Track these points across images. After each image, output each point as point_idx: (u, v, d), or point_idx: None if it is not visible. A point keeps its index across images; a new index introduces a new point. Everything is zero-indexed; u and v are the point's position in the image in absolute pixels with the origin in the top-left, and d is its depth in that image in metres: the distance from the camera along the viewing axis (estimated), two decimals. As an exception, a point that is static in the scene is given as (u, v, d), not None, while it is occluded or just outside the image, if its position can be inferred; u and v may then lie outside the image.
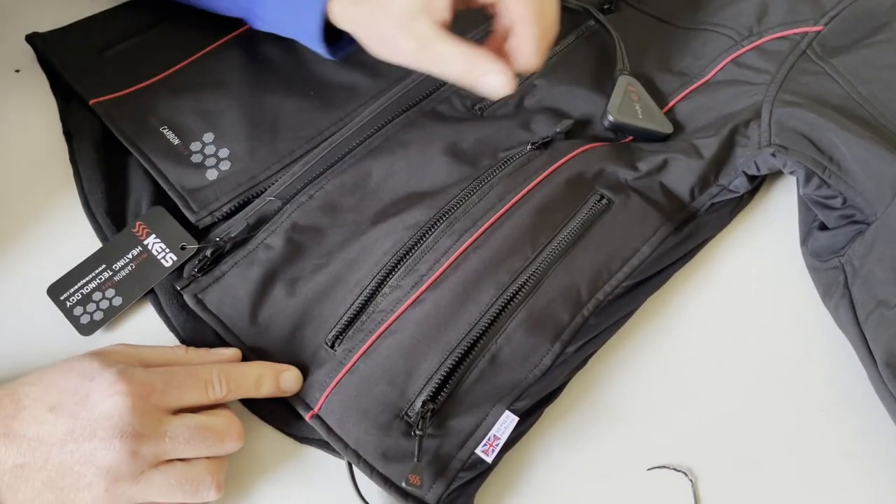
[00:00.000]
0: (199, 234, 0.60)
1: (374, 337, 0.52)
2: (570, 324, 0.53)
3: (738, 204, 0.62)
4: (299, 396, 0.52)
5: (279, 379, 0.51)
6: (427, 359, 0.51)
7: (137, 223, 0.59)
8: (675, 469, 0.52)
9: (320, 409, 0.51)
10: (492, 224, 0.56)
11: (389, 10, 0.52)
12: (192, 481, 0.46)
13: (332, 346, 0.53)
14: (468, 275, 0.53)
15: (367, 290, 0.54)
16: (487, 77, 0.51)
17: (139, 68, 0.67)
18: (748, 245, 0.62)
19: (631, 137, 0.64)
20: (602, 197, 0.58)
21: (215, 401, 0.48)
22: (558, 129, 0.62)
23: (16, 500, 0.43)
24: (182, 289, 0.56)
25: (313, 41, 0.59)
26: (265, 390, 0.51)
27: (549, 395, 0.52)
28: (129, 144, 0.63)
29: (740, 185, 0.60)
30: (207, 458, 0.47)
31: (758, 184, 0.61)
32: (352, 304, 0.54)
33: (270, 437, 0.53)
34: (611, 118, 0.62)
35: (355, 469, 0.50)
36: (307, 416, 0.51)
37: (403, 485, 0.47)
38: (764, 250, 0.61)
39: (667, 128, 0.63)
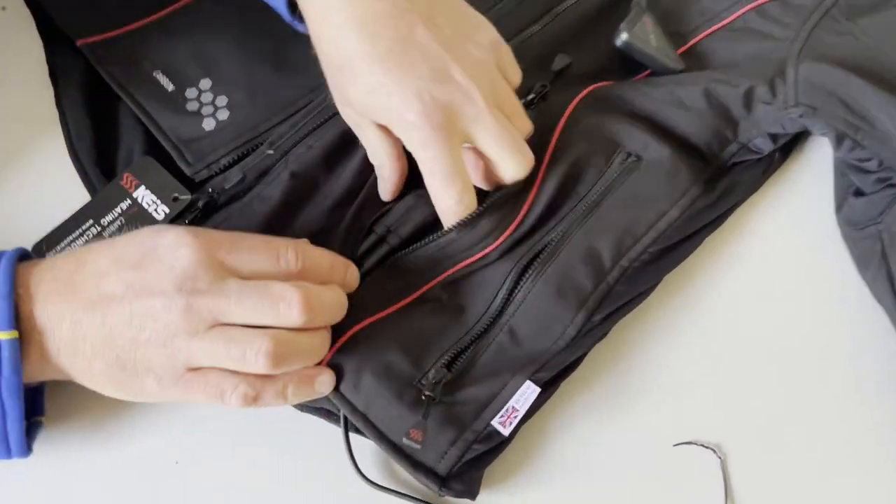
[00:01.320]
0: (192, 186, 0.56)
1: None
2: (595, 291, 0.49)
3: (770, 166, 0.58)
4: None
5: (347, 275, 0.48)
6: (444, 333, 0.48)
7: (125, 175, 0.55)
8: (702, 445, 0.48)
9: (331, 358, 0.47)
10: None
11: None
12: (240, 344, 0.42)
13: None
14: None
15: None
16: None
17: (131, 8, 0.62)
18: (780, 212, 0.58)
19: (646, 72, 0.59)
20: (629, 154, 0.54)
21: (286, 273, 0.44)
22: (554, 68, 0.58)
23: (74, 362, 0.42)
24: (173, 243, 0.52)
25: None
26: (336, 278, 0.47)
27: (567, 367, 0.49)
28: (120, 90, 0.58)
29: (762, 144, 0.56)
30: (267, 328, 0.43)
31: (786, 144, 0.57)
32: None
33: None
34: (624, 36, 0.57)
35: (353, 442, 0.47)
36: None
37: (403, 440, 0.44)
38: (797, 217, 0.57)
39: (678, 64, 0.58)
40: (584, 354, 0.50)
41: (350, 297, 0.47)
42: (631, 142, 0.54)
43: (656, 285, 0.52)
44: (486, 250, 0.49)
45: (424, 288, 0.49)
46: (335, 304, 0.45)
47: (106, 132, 0.58)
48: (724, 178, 0.56)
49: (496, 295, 0.49)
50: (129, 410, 0.50)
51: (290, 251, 0.45)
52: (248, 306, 0.42)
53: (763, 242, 0.57)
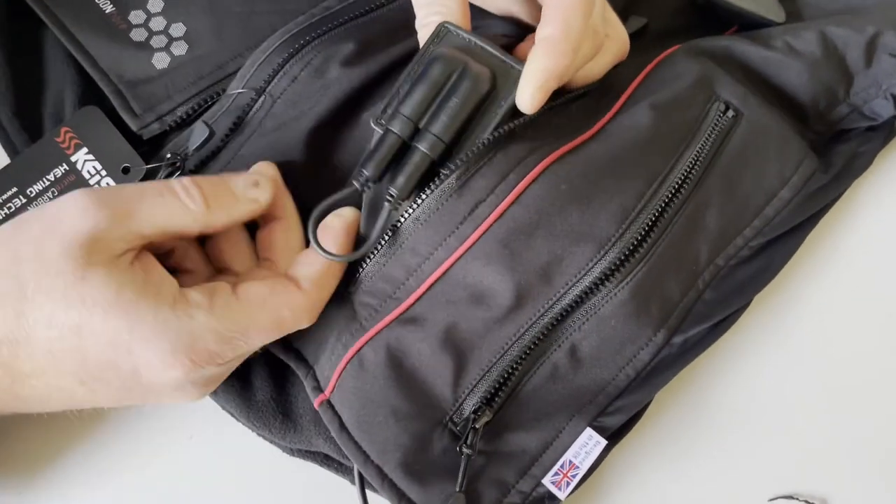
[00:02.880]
0: (142, 144, 0.43)
1: (411, 298, 0.37)
2: (682, 301, 0.38)
3: (888, 136, 0.46)
4: (306, 361, 0.38)
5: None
6: (486, 341, 0.36)
7: (62, 130, 0.42)
8: (805, 501, 0.39)
9: (332, 391, 0.37)
10: (585, 139, 0.39)
11: None
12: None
13: (352, 303, 0.38)
14: (548, 216, 0.36)
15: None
16: None
17: None
18: (890, 199, 0.46)
19: (734, 28, 0.47)
20: (728, 107, 0.41)
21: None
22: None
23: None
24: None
25: None
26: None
27: (638, 412, 0.38)
28: (41, 9, 0.45)
29: (881, 109, 0.44)
30: None
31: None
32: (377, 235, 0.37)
33: (250, 448, 0.40)
34: None
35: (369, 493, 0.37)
36: (316, 402, 0.37)
37: None
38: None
39: (779, 14, 0.46)
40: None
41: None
42: (727, 91, 0.42)
43: (747, 305, 0.41)
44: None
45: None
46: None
47: (26, 71, 0.45)
48: (836, 149, 0.44)
49: (568, 288, 0.37)
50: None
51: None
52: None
53: (869, 239, 0.45)
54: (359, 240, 0.37)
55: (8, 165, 0.42)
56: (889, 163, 0.46)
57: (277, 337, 0.35)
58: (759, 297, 0.41)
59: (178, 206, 0.34)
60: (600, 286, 0.37)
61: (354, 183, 0.36)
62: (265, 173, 0.37)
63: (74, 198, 0.32)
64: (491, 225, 0.36)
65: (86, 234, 0.31)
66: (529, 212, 0.36)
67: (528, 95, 0.35)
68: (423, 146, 0.35)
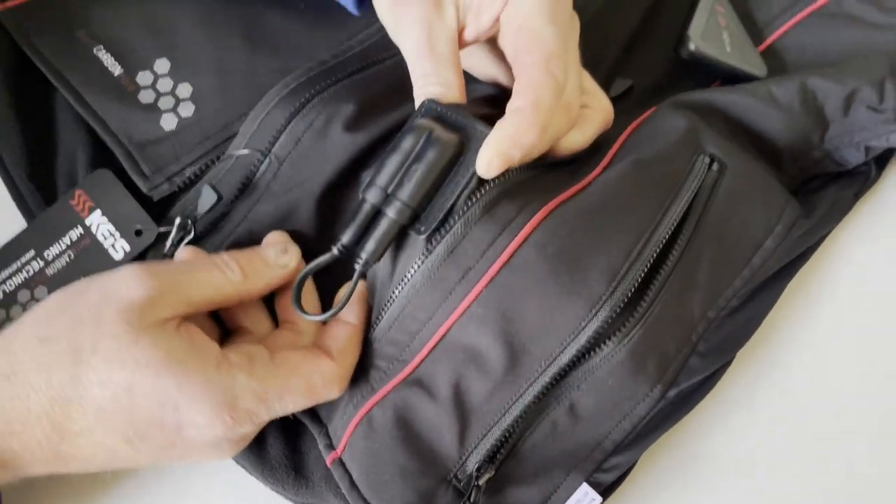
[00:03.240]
0: (159, 205, 0.45)
1: (411, 365, 0.39)
2: (677, 356, 0.40)
3: (866, 182, 0.48)
4: (320, 419, 0.41)
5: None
6: (488, 401, 0.39)
7: (77, 193, 0.44)
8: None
9: (343, 450, 0.39)
10: (572, 195, 0.40)
11: None
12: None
13: (363, 367, 0.40)
14: (539, 278, 0.38)
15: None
16: None
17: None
18: (877, 237, 0.48)
19: (716, 82, 0.49)
20: (713, 160, 0.43)
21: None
22: (612, 95, 0.47)
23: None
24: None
25: None
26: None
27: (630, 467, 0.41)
28: (51, 73, 0.46)
29: (850, 156, 0.46)
30: None
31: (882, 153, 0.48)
32: (390, 300, 0.39)
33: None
34: (692, 46, 0.47)
35: None
36: (328, 459, 0.40)
37: None
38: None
39: (759, 69, 0.48)
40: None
41: None
42: (711, 144, 0.43)
43: (732, 360, 0.43)
44: None
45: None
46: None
47: (39, 133, 0.46)
48: (817, 196, 0.46)
49: (563, 348, 0.38)
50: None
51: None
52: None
53: (858, 278, 0.47)
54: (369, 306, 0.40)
55: (24, 229, 0.44)
56: (863, 208, 0.48)
57: (309, 405, 0.38)
58: (745, 347, 0.43)
59: (220, 277, 0.38)
60: (598, 348, 0.38)
61: (333, 249, 0.39)
62: (293, 244, 0.41)
63: (131, 269, 0.36)
64: (481, 290, 0.38)
65: (140, 301, 0.35)
66: (519, 275, 0.38)
67: (486, 160, 0.36)
68: (390, 212, 0.37)
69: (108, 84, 0.46)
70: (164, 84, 0.46)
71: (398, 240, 0.38)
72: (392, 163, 0.38)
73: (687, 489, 0.43)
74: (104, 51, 0.47)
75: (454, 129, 0.38)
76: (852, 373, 0.45)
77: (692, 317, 0.41)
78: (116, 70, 0.46)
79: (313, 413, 0.41)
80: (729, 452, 0.44)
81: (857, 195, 0.47)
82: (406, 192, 0.37)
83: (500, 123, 0.37)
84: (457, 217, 0.37)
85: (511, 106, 0.37)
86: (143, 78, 0.46)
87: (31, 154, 0.45)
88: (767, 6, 0.49)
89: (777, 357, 0.45)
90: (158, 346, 0.34)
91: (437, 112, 0.38)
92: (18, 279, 0.43)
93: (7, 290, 0.43)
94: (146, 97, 0.46)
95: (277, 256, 0.40)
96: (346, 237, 0.38)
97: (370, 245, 0.38)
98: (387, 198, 0.38)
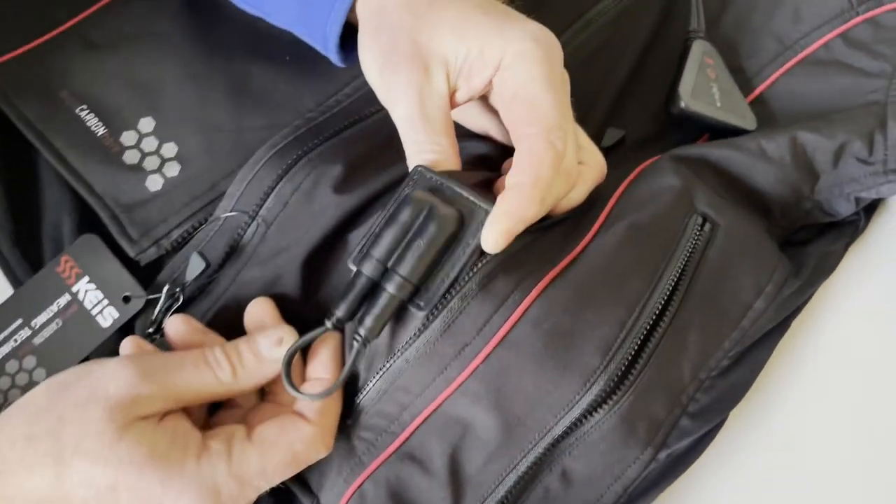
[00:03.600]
0: (147, 269, 0.45)
1: (400, 438, 0.39)
2: (667, 418, 0.40)
3: (854, 234, 0.48)
4: (310, 489, 0.41)
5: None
6: (481, 473, 0.39)
7: (63, 259, 0.44)
8: None
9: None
10: (567, 264, 0.40)
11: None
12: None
13: (349, 437, 0.40)
14: (534, 354, 0.38)
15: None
16: None
17: (37, 13, 0.48)
18: (866, 288, 0.48)
19: (702, 139, 0.49)
20: (705, 220, 0.42)
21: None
22: (603, 145, 0.47)
23: None
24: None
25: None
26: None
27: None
28: (34, 135, 0.46)
29: (841, 207, 0.46)
30: None
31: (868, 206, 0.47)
32: (379, 371, 0.39)
33: None
34: (683, 104, 0.47)
35: None
36: None
37: None
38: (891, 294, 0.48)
39: (750, 122, 0.48)
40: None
41: None
42: (703, 203, 0.43)
43: (725, 419, 0.43)
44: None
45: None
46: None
47: (23, 198, 0.46)
48: (806, 251, 0.46)
49: (557, 420, 0.38)
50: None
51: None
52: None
53: (848, 331, 0.47)
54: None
55: (11, 297, 0.43)
56: (850, 256, 0.48)
57: (296, 471, 0.38)
58: (737, 407, 0.43)
59: (209, 376, 0.38)
60: (589, 416, 0.38)
61: (327, 323, 0.38)
62: (287, 329, 0.39)
63: (120, 364, 0.36)
64: (477, 367, 0.38)
65: (127, 398, 0.35)
66: (515, 351, 0.38)
67: (493, 239, 0.36)
68: (390, 287, 0.37)
69: (92, 145, 0.46)
70: (149, 143, 0.46)
71: (398, 314, 0.38)
72: (389, 235, 0.37)
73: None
74: (87, 111, 0.46)
75: (452, 201, 0.37)
76: (848, 427, 0.45)
77: (682, 380, 0.41)
78: (100, 130, 0.46)
79: (303, 482, 0.41)
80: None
81: (848, 245, 0.47)
82: (406, 268, 0.37)
83: (502, 198, 0.36)
84: (453, 291, 0.37)
85: (512, 180, 0.37)
86: (128, 138, 0.46)
87: (15, 219, 0.45)
88: (757, 55, 0.49)
89: (769, 416, 0.45)
90: (142, 442, 0.34)
91: (433, 183, 0.38)
92: (6, 349, 0.43)
93: (-5, 361, 0.43)
94: (131, 157, 0.46)
95: (270, 350, 0.39)
96: (341, 310, 0.37)
97: (369, 321, 0.37)
98: (386, 272, 0.37)
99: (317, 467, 0.40)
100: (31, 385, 0.42)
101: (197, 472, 0.34)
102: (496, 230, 0.36)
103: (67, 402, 0.34)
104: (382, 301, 0.37)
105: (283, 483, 0.39)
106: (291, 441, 0.37)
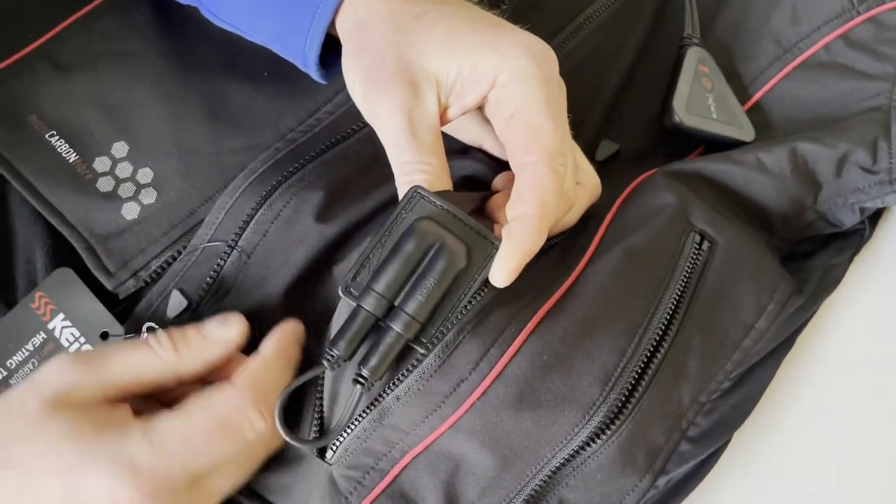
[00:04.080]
0: (125, 300, 0.43)
1: (390, 476, 0.37)
2: (667, 444, 0.39)
3: (860, 244, 0.46)
4: None
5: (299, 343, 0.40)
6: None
7: (37, 296, 0.42)
8: None
9: None
10: (562, 294, 0.39)
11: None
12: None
13: (333, 477, 0.38)
14: (527, 388, 0.37)
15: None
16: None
17: (3, 31, 0.46)
18: (872, 300, 0.46)
19: (698, 150, 0.47)
20: (703, 238, 0.41)
21: (258, 438, 0.36)
22: (598, 158, 0.45)
23: None
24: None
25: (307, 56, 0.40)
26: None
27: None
28: (2, 166, 0.43)
29: (845, 217, 0.45)
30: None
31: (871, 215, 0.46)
32: (366, 412, 0.37)
33: None
34: (677, 119, 0.45)
35: None
36: None
37: None
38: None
39: (747, 133, 0.46)
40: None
41: None
42: (701, 220, 0.41)
43: (728, 442, 0.42)
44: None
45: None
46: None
47: (-7, 230, 0.44)
48: (809, 265, 0.44)
49: (555, 453, 0.37)
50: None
51: (252, 414, 0.36)
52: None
53: (855, 345, 0.45)
54: (323, 420, 0.38)
55: (-15, 335, 0.42)
56: (857, 272, 0.46)
57: (235, 445, 0.35)
58: (740, 429, 0.42)
59: (150, 356, 0.36)
60: (587, 446, 0.37)
61: (324, 362, 0.36)
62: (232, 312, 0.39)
63: (60, 358, 0.36)
64: (473, 403, 0.36)
65: (62, 387, 0.34)
66: (512, 386, 0.36)
67: (504, 276, 0.35)
68: (397, 327, 0.35)
69: (63, 173, 0.44)
70: (124, 169, 0.44)
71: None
72: (393, 269, 0.35)
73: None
74: (57, 136, 0.44)
75: (458, 233, 0.36)
76: (858, 446, 0.44)
77: (682, 404, 0.39)
78: (71, 157, 0.44)
79: None
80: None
81: (853, 256, 0.45)
82: (414, 306, 0.35)
83: (510, 232, 0.35)
84: (443, 330, 0.36)
85: (517, 211, 0.35)
86: (101, 164, 0.44)
87: (-14, 254, 0.43)
88: (755, 59, 0.47)
89: (773, 436, 0.44)
90: (65, 423, 0.33)
91: (433, 208, 0.36)
92: (-18, 389, 0.41)
93: (-30, 403, 0.41)
94: (105, 185, 0.44)
95: (216, 329, 0.37)
96: (340, 348, 0.35)
97: (374, 361, 0.35)
98: (391, 309, 0.35)
99: None
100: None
101: (112, 444, 0.33)
102: (507, 267, 0.35)
103: (12, 399, 0.35)
104: (389, 340, 0.35)
105: None
106: (214, 403, 0.35)
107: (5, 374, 0.41)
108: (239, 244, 0.41)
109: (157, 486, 0.33)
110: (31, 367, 0.41)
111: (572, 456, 0.37)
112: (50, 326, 0.42)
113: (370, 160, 0.43)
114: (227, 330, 0.38)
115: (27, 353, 0.41)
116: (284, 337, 0.39)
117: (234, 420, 0.35)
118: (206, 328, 0.38)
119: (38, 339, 0.42)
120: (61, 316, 0.42)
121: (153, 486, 0.33)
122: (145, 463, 0.33)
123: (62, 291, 0.42)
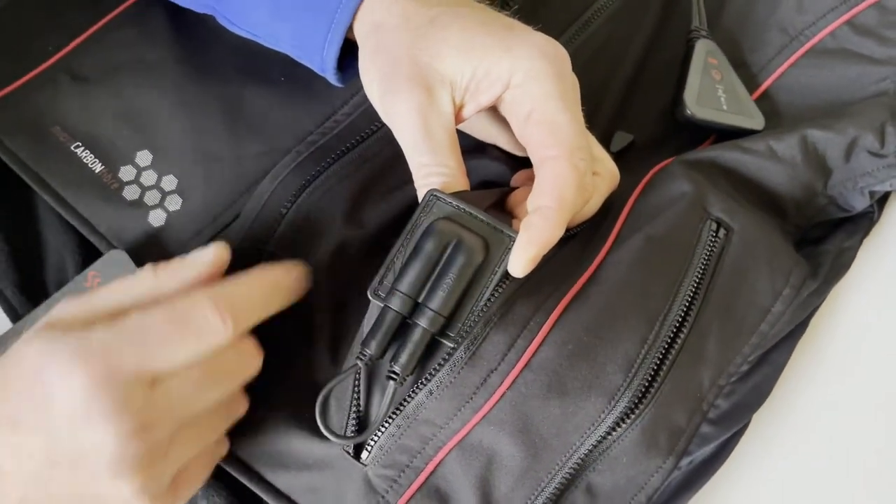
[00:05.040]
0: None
1: (425, 473, 0.39)
2: (688, 427, 0.40)
3: (869, 226, 0.47)
4: None
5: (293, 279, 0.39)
6: (510, 499, 0.38)
7: (90, 274, 0.43)
8: None
9: None
10: (585, 281, 0.40)
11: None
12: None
13: (368, 476, 0.39)
14: (554, 376, 0.38)
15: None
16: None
17: (22, 48, 0.47)
18: (882, 285, 0.47)
19: (710, 139, 0.48)
20: (719, 225, 0.42)
21: (219, 345, 0.35)
22: (612, 150, 0.46)
23: None
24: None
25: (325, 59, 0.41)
26: (280, 301, 0.38)
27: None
28: (29, 177, 0.44)
29: (855, 201, 0.46)
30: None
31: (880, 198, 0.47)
32: (387, 410, 0.38)
33: None
34: (689, 112, 0.46)
35: None
36: None
37: None
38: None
39: (757, 122, 0.47)
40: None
41: None
42: (716, 207, 0.42)
43: (748, 424, 0.43)
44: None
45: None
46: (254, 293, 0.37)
47: (25, 243, 0.45)
48: (822, 249, 0.45)
49: (583, 440, 0.38)
50: None
51: (211, 313, 0.35)
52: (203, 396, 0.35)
53: (867, 325, 0.46)
54: (360, 417, 0.39)
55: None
56: (866, 254, 0.47)
57: (188, 346, 0.34)
58: (759, 412, 0.43)
59: (129, 281, 0.36)
60: (612, 432, 0.38)
61: (358, 362, 0.37)
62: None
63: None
64: (504, 393, 0.37)
65: (49, 317, 0.34)
66: (540, 375, 0.37)
67: (521, 265, 0.36)
68: (423, 322, 0.36)
69: (90, 183, 0.45)
70: (148, 177, 0.45)
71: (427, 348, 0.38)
72: (415, 269, 0.37)
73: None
74: (82, 147, 0.45)
75: (475, 229, 0.37)
76: (877, 423, 0.45)
77: (702, 387, 0.40)
78: (97, 167, 0.45)
79: None
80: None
81: (863, 238, 0.47)
82: (438, 301, 0.36)
83: (528, 224, 0.36)
84: (471, 323, 0.37)
85: (536, 203, 0.36)
86: (126, 173, 0.45)
87: (18, 265, 0.44)
88: (762, 48, 0.48)
89: (792, 417, 0.45)
90: (42, 335, 0.33)
91: (450, 209, 0.37)
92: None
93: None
94: (131, 193, 0.45)
95: (195, 253, 0.37)
96: (372, 348, 0.37)
97: (403, 358, 0.37)
98: (416, 306, 0.37)
99: None
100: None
101: (76, 336, 0.33)
102: (525, 257, 0.36)
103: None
104: (416, 336, 0.37)
105: None
106: (175, 302, 0.35)
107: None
108: (268, 248, 0.43)
109: (108, 374, 0.32)
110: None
111: (598, 441, 0.38)
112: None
113: (391, 159, 0.45)
114: (205, 252, 0.38)
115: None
116: (277, 266, 0.39)
117: (192, 317, 0.34)
118: (188, 254, 0.38)
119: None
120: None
121: (103, 373, 0.32)
122: (98, 349, 0.32)
123: (114, 272, 0.43)
